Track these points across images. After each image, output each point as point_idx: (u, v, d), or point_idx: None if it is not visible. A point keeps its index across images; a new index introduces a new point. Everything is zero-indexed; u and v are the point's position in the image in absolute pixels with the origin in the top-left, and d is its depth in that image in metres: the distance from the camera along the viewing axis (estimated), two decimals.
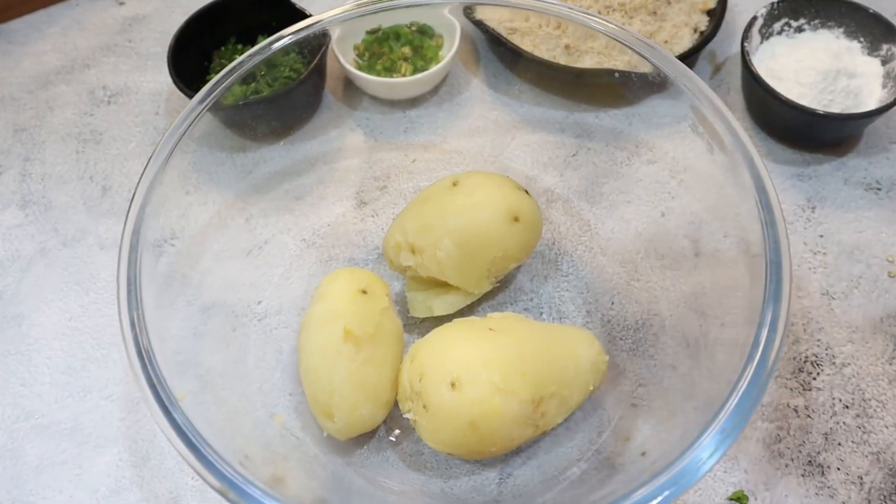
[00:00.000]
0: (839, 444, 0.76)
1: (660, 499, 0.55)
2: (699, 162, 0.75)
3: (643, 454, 0.68)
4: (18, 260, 0.93)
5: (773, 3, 0.97)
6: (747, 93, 0.99)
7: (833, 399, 0.79)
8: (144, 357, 0.63)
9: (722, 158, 0.70)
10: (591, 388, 0.72)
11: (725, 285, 0.73)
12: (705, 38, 0.99)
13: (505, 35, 0.98)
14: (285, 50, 0.81)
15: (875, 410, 0.78)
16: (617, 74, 0.85)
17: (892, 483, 0.74)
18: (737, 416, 0.55)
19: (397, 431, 0.76)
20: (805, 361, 0.81)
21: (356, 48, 1.02)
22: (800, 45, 0.96)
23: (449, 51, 0.98)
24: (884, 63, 0.94)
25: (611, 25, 0.78)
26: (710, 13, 1.02)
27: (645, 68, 0.77)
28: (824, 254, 0.87)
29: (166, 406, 0.61)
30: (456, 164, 0.92)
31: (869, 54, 0.95)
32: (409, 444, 0.76)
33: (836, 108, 0.91)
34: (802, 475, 0.75)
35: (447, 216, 0.77)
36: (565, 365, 0.70)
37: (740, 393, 0.55)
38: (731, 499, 0.74)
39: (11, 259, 0.93)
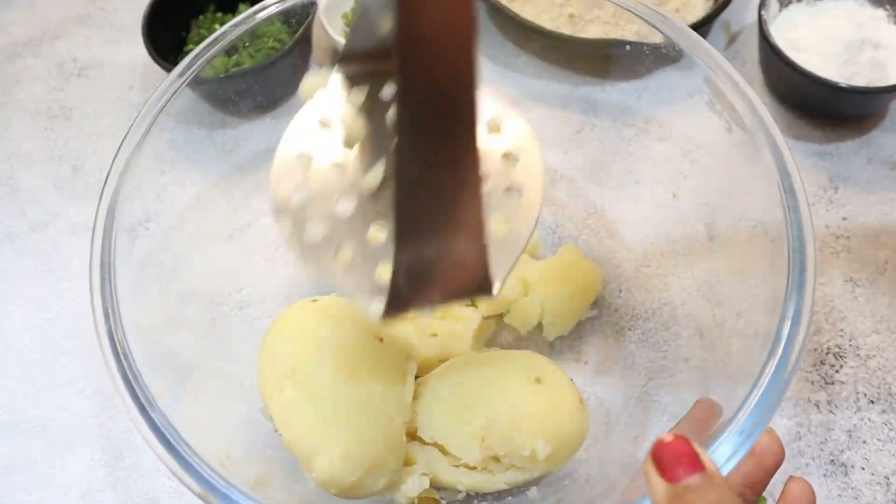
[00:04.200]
0: (864, 441, 0.76)
1: None
2: (714, 139, 0.74)
3: None
4: None
5: None
6: (764, 65, 0.98)
7: (857, 393, 0.78)
8: (119, 350, 0.62)
9: (740, 137, 0.69)
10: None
11: (742, 272, 0.72)
12: (719, 7, 0.97)
13: (505, 3, 0.97)
14: (269, 19, 0.80)
15: None
16: (627, 46, 0.83)
17: None
18: (757, 416, 0.54)
19: None
20: (827, 353, 0.80)
21: (345, 17, 1.01)
22: (821, 14, 0.95)
23: None
24: None
25: None
26: None
27: (655, 39, 0.76)
28: (847, 237, 0.86)
29: (143, 404, 0.60)
30: None
31: None
32: None
33: (860, 81, 0.90)
34: (824, 475, 0.74)
35: None
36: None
37: (760, 391, 0.54)
38: None
39: None
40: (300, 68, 0.97)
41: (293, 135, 0.61)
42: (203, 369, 0.74)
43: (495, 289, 0.54)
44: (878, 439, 0.75)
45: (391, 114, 0.52)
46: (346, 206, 0.56)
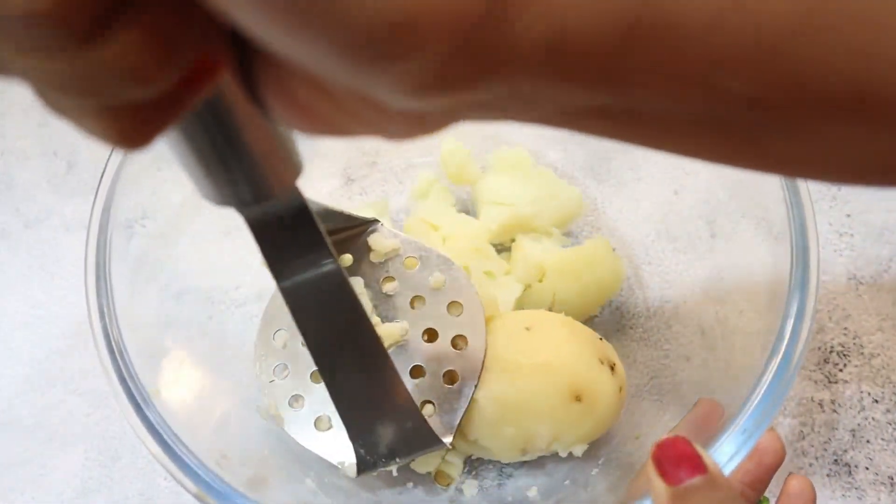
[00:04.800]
0: (868, 441, 0.76)
1: None
2: None
3: None
4: None
5: None
6: None
7: (861, 392, 0.78)
8: (114, 348, 0.62)
9: None
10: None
11: (744, 269, 0.72)
12: None
13: None
14: None
15: None
16: None
17: None
18: (759, 415, 0.54)
19: None
20: (831, 352, 0.80)
21: None
22: None
23: None
24: None
25: None
26: None
27: None
28: (851, 235, 0.86)
29: (138, 402, 0.60)
30: (452, 138, 0.91)
31: None
32: None
33: None
34: (828, 475, 0.74)
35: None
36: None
37: (763, 390, 0.54)
38: None
39: None
40: None
41: (269, 316, 0.73)
42: (199, 368, 0.74)
43: (447, 440, 0.65)
44: (883, 439, 0.76)
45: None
46: (319, 377, 0.66)
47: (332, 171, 0.91)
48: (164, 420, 0.60)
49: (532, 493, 0.71)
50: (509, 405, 0.66)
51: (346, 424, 0.61)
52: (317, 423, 0.68)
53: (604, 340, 0.72)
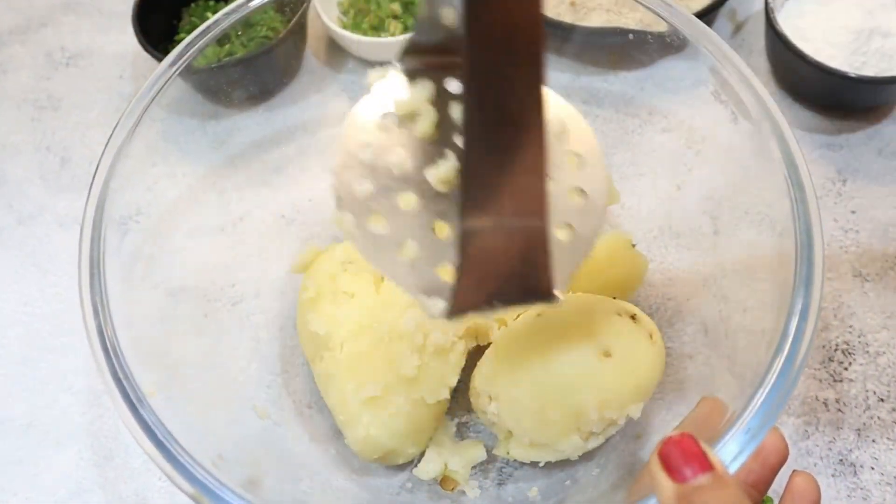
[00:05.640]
0: (873, 440, 0.76)
1: None
2: (719, 131, 0.74)
3: None
4: None
5: None
6: (771, 54, 0.97)
7: (866, 391, 0.78)
8: (109, 347, 0.62)
9: (746, 128, 0.69)
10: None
11: (748, 266, 0.72)
12: None
13: None
14: (263, 8, 0.80)
15: None
16: (631, 35, 0.83)
17: None
18: (763, 414, 0.54)
19: None
20: (836, 350, 0.80)
21: (340, 5, 1.01)
22: (829, 2, 0.95)
23: None
24: None
25: None
26: None
27: (659, 27, 0.76)
28: (856, 231, 0.86)
29: (133, 402, 0.60)
30: None
31: None
32: None
33: (869, 71, 0.89)
34: (833, 475, 0.74)
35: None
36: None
37: (767, 389, 0.54)
38: None
39: None
40: (294, 58, 0.97)
41: (357, 125, 0.59)
42: (195, 367, 0.73)
43: (558, 295, 0.53)
44: (888, 438, 0.75)
45: (457, 109, 0.53)
46: (410, 202, 0.56)
47: (330, 166, 0.90)
48: (160, 419, 0.59)
49: (532, 493, 0.71)
50: (545, 387, 0.67)
51: (463, 225, 0.50)
52: (400, 249, 0.56)
53: (618, 299, 0.72)
